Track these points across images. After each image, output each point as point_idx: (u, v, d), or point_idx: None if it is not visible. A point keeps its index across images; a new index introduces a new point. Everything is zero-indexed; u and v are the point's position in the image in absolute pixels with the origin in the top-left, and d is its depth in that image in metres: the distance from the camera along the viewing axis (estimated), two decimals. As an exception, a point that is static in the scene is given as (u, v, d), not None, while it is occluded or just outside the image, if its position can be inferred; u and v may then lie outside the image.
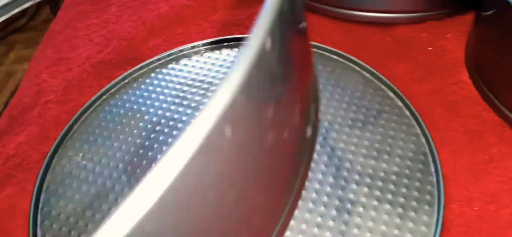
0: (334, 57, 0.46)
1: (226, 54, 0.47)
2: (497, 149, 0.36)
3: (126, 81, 0.45)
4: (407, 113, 0.39)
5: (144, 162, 0.37)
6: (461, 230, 0.31)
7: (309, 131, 0.24)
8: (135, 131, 0.40)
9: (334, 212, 0.33)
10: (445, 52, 0.46)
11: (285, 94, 0.20)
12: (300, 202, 0.33)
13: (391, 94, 0.41)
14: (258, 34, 0.15)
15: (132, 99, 0.43)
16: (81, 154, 0.38)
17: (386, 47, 0.47)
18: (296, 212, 0.33)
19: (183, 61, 0.47)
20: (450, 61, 0.45)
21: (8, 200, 0.37)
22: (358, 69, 0.44)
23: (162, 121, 0.40)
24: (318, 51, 0.47)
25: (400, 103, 0.40)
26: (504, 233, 0.31)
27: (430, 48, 0.46)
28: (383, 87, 0.42)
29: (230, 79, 0.14)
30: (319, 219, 0.32)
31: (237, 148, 0.16)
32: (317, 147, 0.37)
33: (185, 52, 0.47)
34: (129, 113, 0.41)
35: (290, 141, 0.21)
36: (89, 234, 0.33)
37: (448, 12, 0.50)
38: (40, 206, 0.35)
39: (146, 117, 0.41)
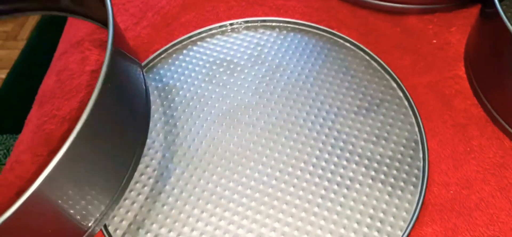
0: (347, 45, 0.51)
1: (250, 35, 0.53)
2: (477, 142, 0.42)
3: (162, 56, 0.51)
4: (406, 103, 0.45)
5: (180, 133, 0.44)
6: (437, 209, 0.38)
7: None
8: (171, 105, 0.47)
9: (335, 187, 0.40)
10: (447, 45, 0.51)
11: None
12: (308, 176, 0.41)
13: (394, 85, 0.47)
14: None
15: (168, 74, 0.50)
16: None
17: (394, 36, 0.52)
18: (305, 184, 0.40)
19: (212, 40, 0.52)
20: (451, 55, 0.50)
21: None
22: (367, 58, 0.50)
23: (194, 97, 0.47)
24: (334, 38, 0.52)
25: (400, 94, 0.46)
26: (471, 213, 0.38)
27: (435, 41, 0.51)
28: (387, 77, 0.48)
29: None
30: (323, 191, 0.40)
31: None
32: (326, 129, 0.44)
33: (214, 31, 0.53)
34: (166, 88, 0.48)
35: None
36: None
37: (456, 4, 0.55)
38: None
39: (180, 92, 0.48)
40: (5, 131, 0.93)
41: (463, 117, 0.44)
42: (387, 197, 0.39)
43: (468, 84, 0.47)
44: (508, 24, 0.38)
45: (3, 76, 1.18)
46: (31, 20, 1.43)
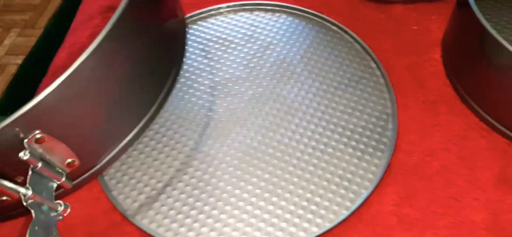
0: (334, 28, 0.56)
1: (246, 16, 0.57)
2: (445, 117, 0.46)
3: (165, 33, 0.56)
4: (382, 81, 0.49)
5: (174, 101, 0.49)
6: (400, 172, 0.42)
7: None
8: (169, 75, 0.52)
9: (310, 150, 0.44)
10: (427, 32, 0.55)
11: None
12: (287, 140, 0.45)
13: (373, 65, 0.51)
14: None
15: (169, 48, 0.55)
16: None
17: (380, 23, 0.56)
18: (283, 147, 0.45)
19: (210, 19, 0.57)
20: (430, 40, 0.53)
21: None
22: (351, 40, 0.54)
23: (190, 69, 0.52)
24: (322, 21, 0.56)
25: (378, 73, 0.50)
26: (431, 177, 0.42)
27: (416, 28, 0.55)
28: (368, 58, 0.52)
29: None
30: (299, 153, 0.44)
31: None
32: (307, 101, 0.48)
33: (213, 12, 0.58)
34: (166, 60, 0.53)
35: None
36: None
37: (438, -5, 0.58)
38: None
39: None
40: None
41: (434, 95, 0.48)
42: (356, 160, 0.43)
43: (442, 66, 0.51)
44: (478, 12, 0.42)
45: (20, 61, 1.23)
46: (50, 9, 1.48)
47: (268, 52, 0.53)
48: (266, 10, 0.58)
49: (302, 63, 0.52)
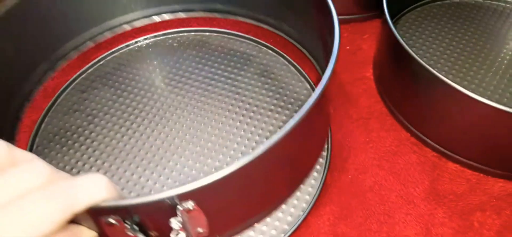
0: (270, 52, 0.56)
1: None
2: (376, 134, 0.47)
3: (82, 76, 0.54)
4: None
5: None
6: (335, 191, 0.42)
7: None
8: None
9: None
10: (359, 50, 0.56)
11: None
12: (228, 159, 0.44)
13: (308, 86, 0.52)
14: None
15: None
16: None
17: (314, 43, 0.57)
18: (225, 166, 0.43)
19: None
20: (361, 59, 0.55)
21: None
22: (287, 63, 0.54)
23: (126, 100, 0.50)
24: (258, 45, 0.56)
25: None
26: (365, 194, 0.42)
27: (348, 47, 0.57)
28: (303, 79, 0.52)
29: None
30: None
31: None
32: (247, 122, 0.47)
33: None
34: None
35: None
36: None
37: (369, 15, 0.60)
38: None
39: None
40: None
41: (366, 112, 0.49)
42: (293, 182, 0.43)
43: (374, 84, 0.52)
44: (396, 33, 0.43)
45: None
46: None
47: (206, 79, 0.52)
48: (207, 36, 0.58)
49: (236, 81, 0.51)
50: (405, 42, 0.42)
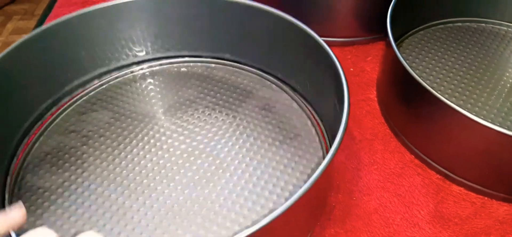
0: (272, 78, 0.55)
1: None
2: (380, 155, 0.47)
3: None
4: (317, 139, 0.48)
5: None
6: (340, 214, 0.42)
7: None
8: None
9: (237, 207, 0.42)
10: (363, 72, 0.57)
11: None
12: (219, 188, 0.44)
13: (309, 123, 0.51)
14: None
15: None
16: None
17: (318, 65, 0.58)
18: (214, 195, 0.43)
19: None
20: (365, 81, 0.55)
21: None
22: (291, 93, 0.54)
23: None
24: (261, 78, 0.56)
25: (314, 132, 0.50)
26: (370, 216, 0.42)
27: (352, 69, 0.57)
28: (304, 115, 0.51)
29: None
30: (225, 211, 0.42)
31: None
32: (240, 155, 0.47)
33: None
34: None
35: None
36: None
37: (372, 38, 0.61)
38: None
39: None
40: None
41: (370, 134, 0.49)
42: (296, 205, 0.43)
43: (377, 105, 0.52)
44: (399, 55, 0.44)
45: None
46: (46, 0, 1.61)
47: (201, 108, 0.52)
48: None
49: (237, 114, 0.51)
50: (408, 64, 0.43)
